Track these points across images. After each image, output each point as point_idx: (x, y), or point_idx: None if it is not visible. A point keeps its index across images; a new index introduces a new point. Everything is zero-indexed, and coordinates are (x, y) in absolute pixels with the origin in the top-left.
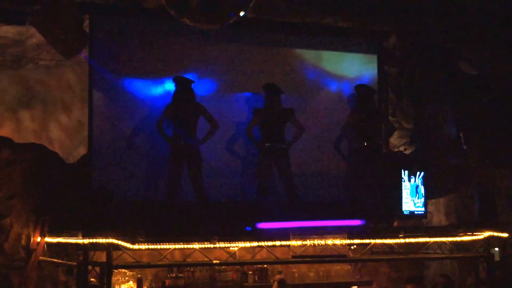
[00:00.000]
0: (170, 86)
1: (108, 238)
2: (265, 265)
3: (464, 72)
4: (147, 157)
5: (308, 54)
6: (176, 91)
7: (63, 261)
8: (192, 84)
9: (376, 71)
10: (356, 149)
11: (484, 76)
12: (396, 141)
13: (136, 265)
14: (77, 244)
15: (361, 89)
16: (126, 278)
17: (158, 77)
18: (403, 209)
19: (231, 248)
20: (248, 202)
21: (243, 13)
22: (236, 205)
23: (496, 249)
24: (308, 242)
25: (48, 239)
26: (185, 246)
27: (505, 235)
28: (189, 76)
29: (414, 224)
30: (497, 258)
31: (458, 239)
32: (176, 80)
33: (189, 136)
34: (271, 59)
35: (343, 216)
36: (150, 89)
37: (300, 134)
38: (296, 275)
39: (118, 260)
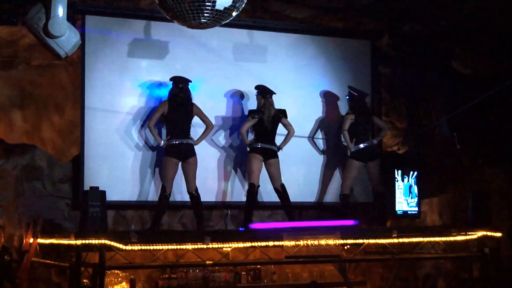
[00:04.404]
0: (163, 86)
1: (101, 239)
2: (258, 266)
3: (457, 71)
4: (140, 158)
5: (301, 54)
6: (172, 90)
7: (56, 262)
8: (190, 84)
9: (369, 71)
10: (354, 152)
11: (478, 75)
12: (390, 141)
13: (129, 266)
14: (69, 245)
15: (353, 91)
16: (119, 279)
17: (151, 77)
18: (397, 209)
19: (224, 249)
20: (239, 202)
21: (236, 13)
22: (228, 206)
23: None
24: (301, 242)
25: (40, 240)
26: (178, 246)
27: (499, 234)
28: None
29: (408, 224)
30: None
31: (451, 238)
32: (174, 79)
33: (184, 135)
34: (262, 59)
35: (337, 216)
36: (144, 90)
37: (291, 136)
38: (289, 275)
39: (111, 261)
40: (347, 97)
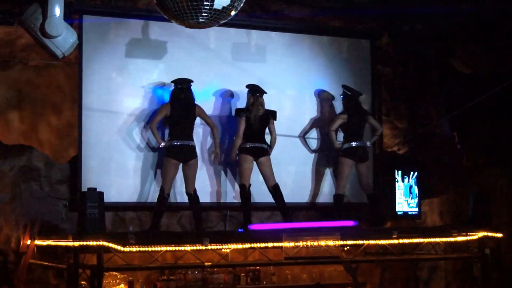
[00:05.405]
0: (162, 86)
1: (99, 241)
2: (258, 267)
3: (457, 71)
4: (138, 159)
5: (300, 54)
6: (174, 92)
7: (53, 264)
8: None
9: (369, 70)
10: (345, 149)
11: (478, 75)
12: (390, 141)
13: (127, 267)
14: (67, 247)
15: (347, 90)
16: (117, 281)
17: (149, 77)
18: (397, 210)
19: (223, 250)
20: (237, 203)
21: (234, 13)
22: (227, 207)
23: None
24: (301, 244)
25: (38, 242)
26: (177, 248)
27: (499, 235)
28: (176, 76)
29: (408, 224)
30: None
31: (452, 239)
32: (175, 81)
33: (186, 137)
34: (260, 58)
35: (336, 217)
36: (142, 90)
37: (274, 141)
38: (289, 276)
39: (109, 263)
40: (341, 96)
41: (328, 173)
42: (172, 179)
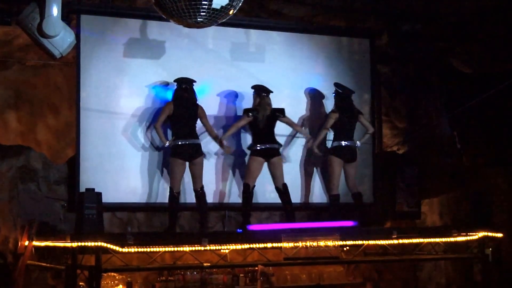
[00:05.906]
0: (160, 86)
1: (97, 241)
2: (257, 268)
3: (457, 70)
4: (137, 159)
5: (299, 53)
6: (177, 91)
7: (51, 265)
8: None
9: (368, 69)
10: (334, 148)
11: (478, 74)
12: (390, 141)
13: (125, 268)
14: (65, 248)
15: (339, 88)
16: (116, 281)
17: (147, 77)
18: (397, 210)
19: (222, 251)
20: (238, 204)
21: (233, 12)
22: (226, 207)
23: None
24: (300, 244)
25: (36, 243)
26: (176, 248)
27: (500, 235)
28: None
29: (408, 224)
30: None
31: (452, 239)
32: (178, 80)
33: (190, 136)
34: (259, 58)
35: (335, 217)
36: (140, 90)
37: (300, 127)
38: (288, 277)
39: (107, 264)
40: (333, 94)
41: (317, 173)
42: (180, 179)
